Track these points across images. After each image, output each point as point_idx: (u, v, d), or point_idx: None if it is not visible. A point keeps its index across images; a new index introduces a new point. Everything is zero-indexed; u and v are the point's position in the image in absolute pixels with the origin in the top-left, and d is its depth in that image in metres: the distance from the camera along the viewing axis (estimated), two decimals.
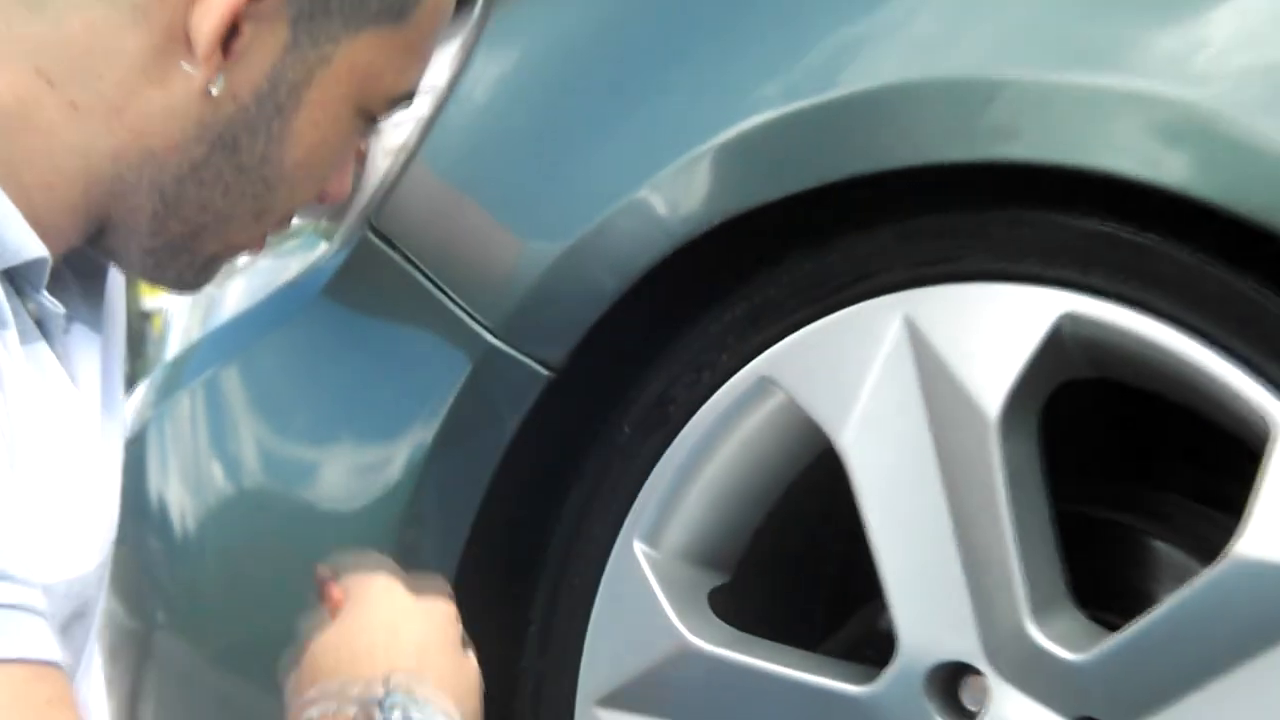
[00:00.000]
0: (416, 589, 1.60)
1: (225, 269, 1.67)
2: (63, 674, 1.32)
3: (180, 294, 1.79)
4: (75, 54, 1.46)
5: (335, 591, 1.59)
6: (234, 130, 1.51)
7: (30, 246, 1.40)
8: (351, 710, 1.49)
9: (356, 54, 1.54)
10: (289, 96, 1.53)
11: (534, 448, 1.84)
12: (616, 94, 1.86)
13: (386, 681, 1.50)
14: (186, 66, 1.47)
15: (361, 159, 1.96)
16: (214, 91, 1.47)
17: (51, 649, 1.30)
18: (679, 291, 1.76)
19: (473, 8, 1.92)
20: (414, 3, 1.56)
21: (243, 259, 1.76)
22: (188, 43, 1.46)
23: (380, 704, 1.49)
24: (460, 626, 1.60)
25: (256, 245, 1.62)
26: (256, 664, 1.72)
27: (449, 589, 1.62)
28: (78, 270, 1.56)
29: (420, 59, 1.62)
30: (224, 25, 1.45)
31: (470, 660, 1.59)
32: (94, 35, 1.46)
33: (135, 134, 1.49)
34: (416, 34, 1.57)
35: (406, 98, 1.62)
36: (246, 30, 1.46)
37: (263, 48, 1.49)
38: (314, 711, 1.49)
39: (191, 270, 1.58)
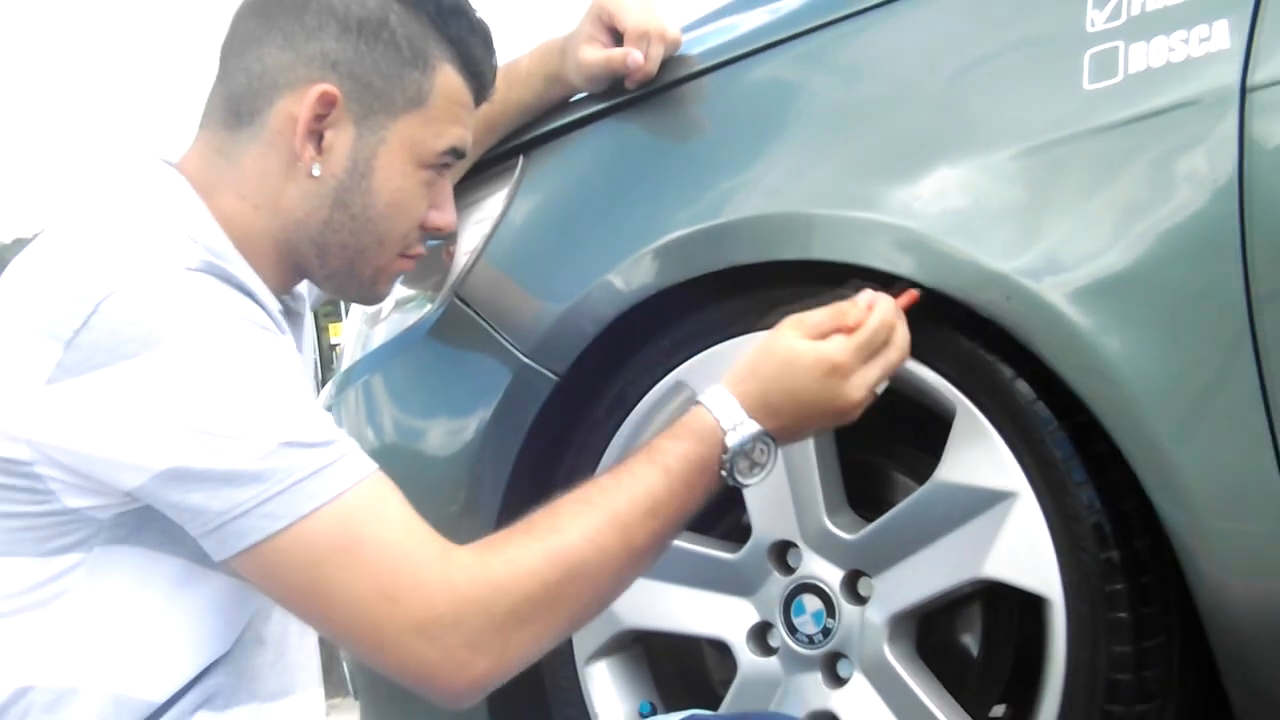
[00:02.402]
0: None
1: (391, 285, 1.78)
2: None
3: (367, 305, 1.96)
4: (250, 178, 1.63)
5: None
6: (340, 195, 1.64)
7: (268, 300, 1.60)
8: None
9: (401, 131, 1.66)
10: (366, 166, 1.65)
11: (547, 422, 2.05)
12: (595, 218, 2.06)
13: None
14: (300, 164, 1.63)
15: (451, 253, 2.11)
16: (316, 173, 1.63)
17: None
18: (631, 331, 1.99)
19: (514, 166, 2.08)
20: (427, 93, 1.66)
21: (402, 275, 1.80)
22: (299, 152, 1.63)
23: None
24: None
25: (403, 264, 1.75)
26: None
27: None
28: (288, 307, 1.72)
29: (449, 125, 1.70)
30: (314, 136, 1.62)
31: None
32: (257, 165, 1.63)
33: (288, 212, 1.64)
34: (437, 111, 1.67)
35: (453, 152, 1.71)
36: (328, 135, 1.62)
37: (341, 142, 1.64)
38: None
39: (363, 287, 1.74)
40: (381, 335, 2.27)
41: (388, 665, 1.46)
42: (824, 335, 1.65)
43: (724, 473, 1.60)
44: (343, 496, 1.43)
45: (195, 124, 1.70)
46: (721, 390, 1.64)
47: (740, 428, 1.61)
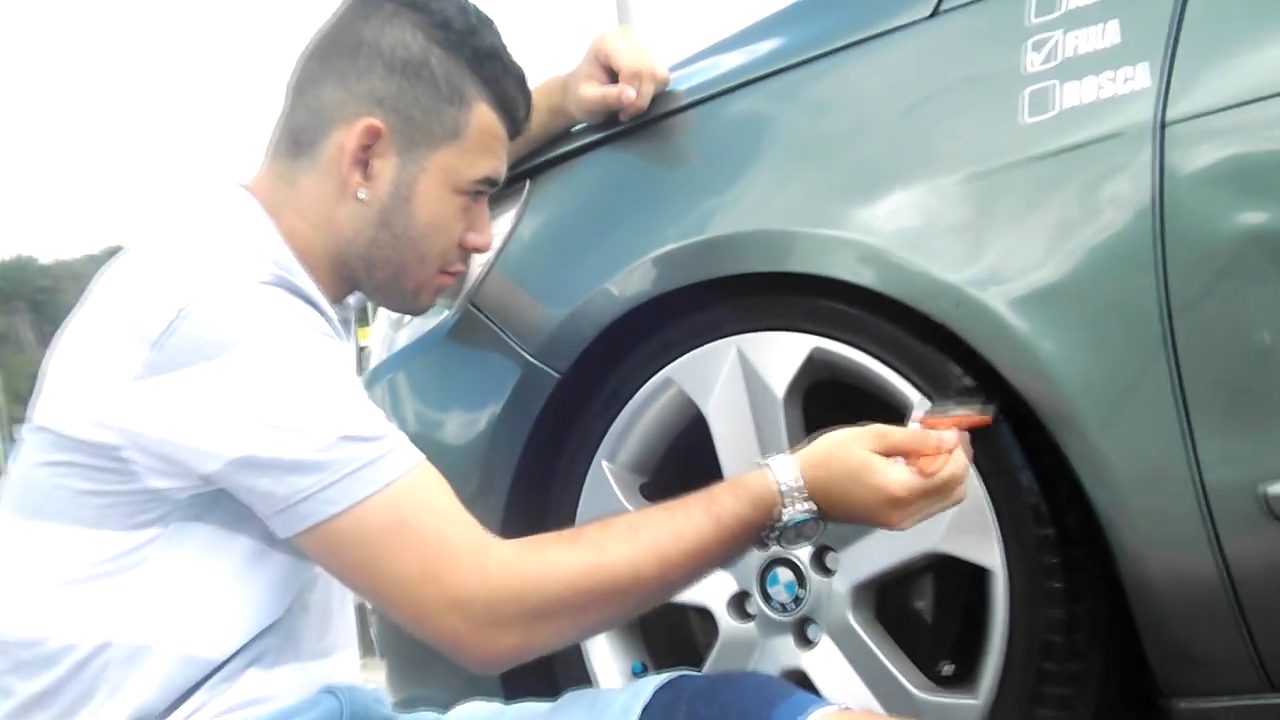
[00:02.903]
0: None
1: (433, 297, 1.80)
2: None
3: (411, 315, 1.93)
4: (308, 200, 1.68)
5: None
6: (384, 216, 1.69)
7: (329, 310, 1.63)
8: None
9: (439, 161, 1.69)
10: (408, 191, 1.69)
11: (550, 414, 2.08)
12: (593, 234, 2.10)
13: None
14: (349, 189, 1.67)
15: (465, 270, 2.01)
16: (363, 197, 1.67)
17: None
18: (626, 334, 2.03)
19: (522, 188, 2.10)
20: (464, 127, 1.69)
21: (447, 287, 1.80)
22: (347, 178, 1.67)
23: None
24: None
25: (444, 280, 1.78)
26: None
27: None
28: (343, 316, 1.76)
29: (483, 156, 1.72)
30: (361, 164, 1.66)
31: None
32: (314, 189, 1.68)
33: (340, 230, 1.69)
34: (472, 144, 1.71)
35: (487, 181, 1.74)
36: (375, 163, 1.67)
37: (386, 170, 1.68)
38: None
39: (406, 298, 1.78)
40: (405, 338, 2.29)
41: (425, 634, 1.51)
42: (900, 453, 1.60)
43: (768, 538, 1.60)
44: (392, 485, 1.48)
45: (264, 152, 1.75)
46: (792, 466, 1.61)
47: (797, 507, 1.59)
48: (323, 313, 1.61)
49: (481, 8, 1.77)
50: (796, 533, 1.60)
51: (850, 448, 1.60)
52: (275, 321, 1.50)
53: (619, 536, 1.56)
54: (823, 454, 1.61)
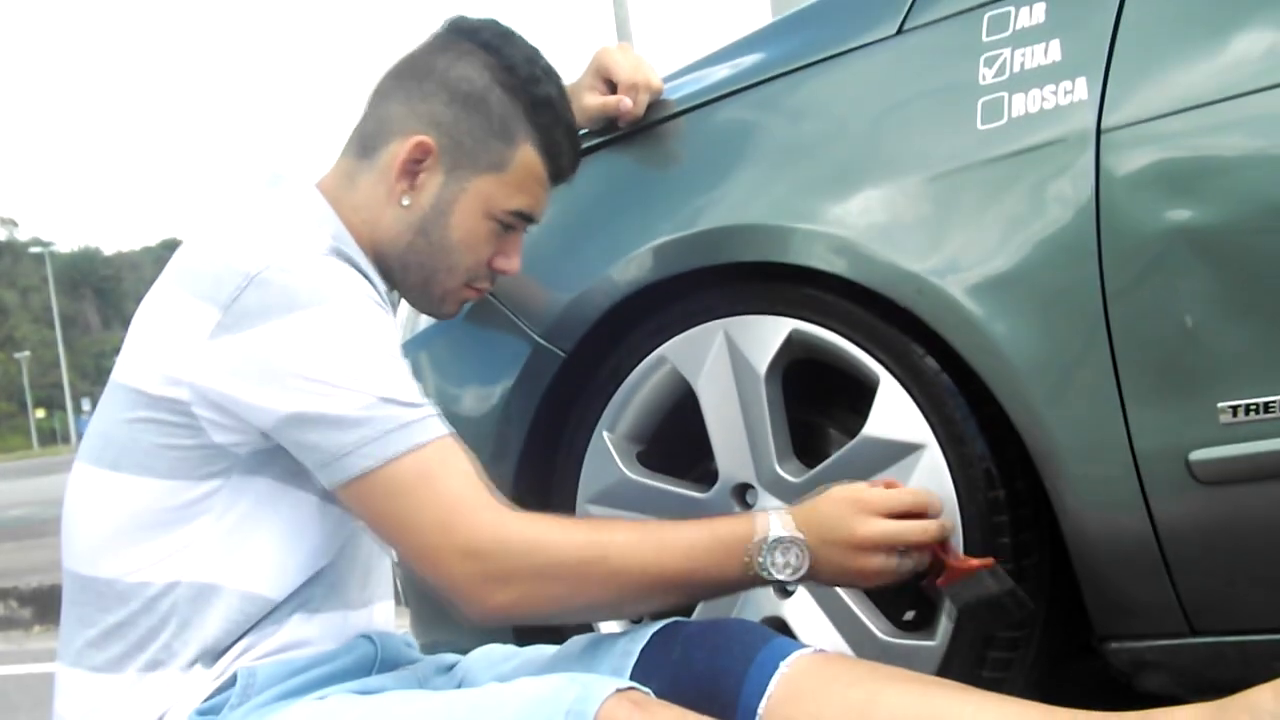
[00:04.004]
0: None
1: (458, 307, 1.83)
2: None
3: (439, 318, 1.93)
4: (362, 198, 1.74)
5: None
6: (423, 224, 1.74)
7: (380, 284, 1.71)
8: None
9: (480, 187, 1.74)
10: (447, 206, 1.74)
11: (557, 390, 2.13)
12: (595, 228, 2.13)
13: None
14: (395, 195, 1.73)
15: None
16: (406, 204, 1.73)
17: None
18: (627, 316, 2.06)
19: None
20: (508, 162, 1.74)
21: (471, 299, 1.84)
22: (394, 185, 1.73)
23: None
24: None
25: (469, 293, 1.81)
26: None
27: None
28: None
29: (520, 192, 1.76)
30: (411, 174, 1.72)
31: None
32: (369, 189, 1.75)
33: (384, 231, 1.74)
34: (513, 179, 1.75)
35: (521, 215, 1.77)
36: (422, 176, 1.73)
37: (431, 184, 1.73)
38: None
39: (433, 303, 1.82)
40: (426, 320, 2.28)
41: (436, 579, 1.56)
42: (885, 510, 1.66)
43: (756, 561, 1.61)
44: (424, 448, 1.54)
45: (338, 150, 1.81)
46: (783, 512, 1.66)
47: (780, 530, 1.62)
48: (375, 286, 1.66)
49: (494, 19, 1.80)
50: (784, 555, 1.61)
51: (844, 489, 1.68)
52: (333, 288, 1.57)
53: (624, 527, 1.65)
54: (813, 498, 1.69)
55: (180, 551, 1.60)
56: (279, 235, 1.60)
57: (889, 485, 1.70)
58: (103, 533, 1.62)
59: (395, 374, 1.57)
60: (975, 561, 1.71)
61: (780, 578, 1.62)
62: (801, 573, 1.63)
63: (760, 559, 1.62)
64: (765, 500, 2.00)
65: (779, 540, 1.62)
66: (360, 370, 1.54)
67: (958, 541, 1.81)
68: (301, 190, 1.73)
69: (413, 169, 1.73)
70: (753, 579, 1.63)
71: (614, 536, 1.60)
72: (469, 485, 1.56)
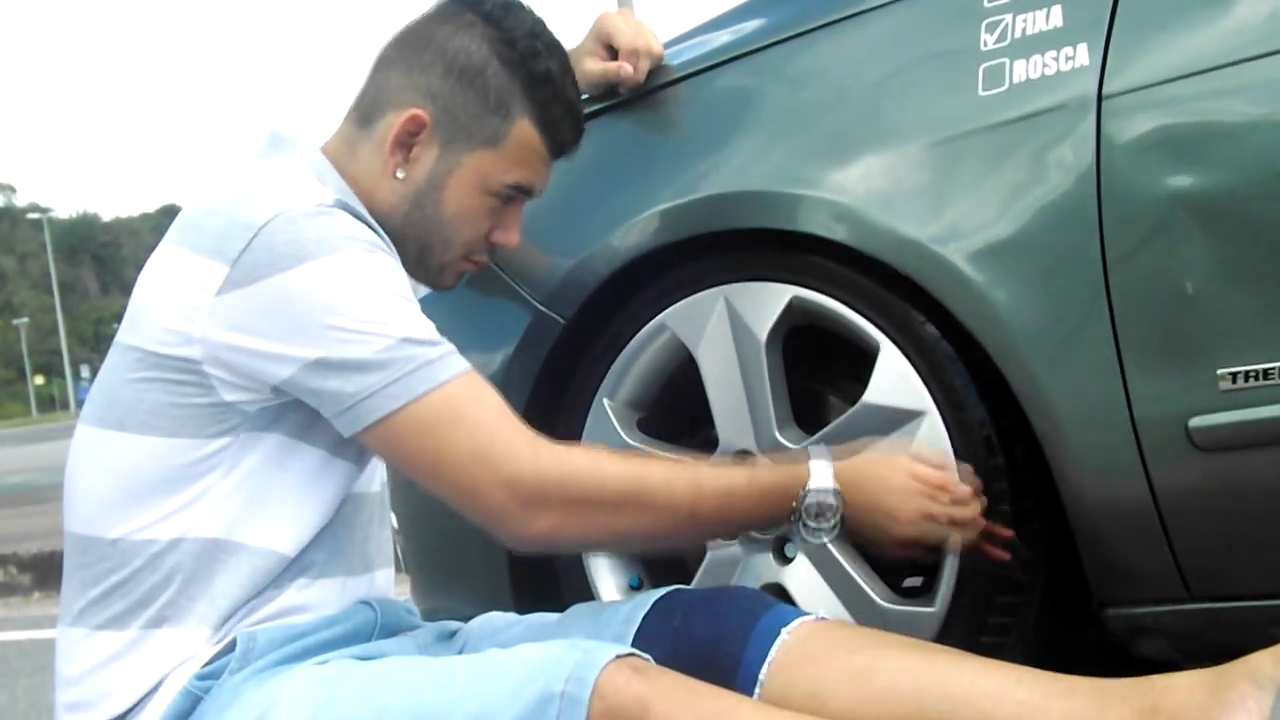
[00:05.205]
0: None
1: (456, 279, 1.84)
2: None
3: (437, 290, 1.89)
4: (362, 167, 1.74)
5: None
6: (417, 197, 1.74)
7: (383, 233, 1.70)
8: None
9: (474, 162, 1.74)
10: (441, 180, 1.74)
11: (557, 356, 2.13)
12: (596, 194, 2.12)
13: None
14: (389, 168, 1.74)
15: None
16: (400, 176, 1.73)
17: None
18: (627, 282, 2.07)
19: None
20: (503, 137, 1.74)
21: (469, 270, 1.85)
22: (388, 158, 1.73)
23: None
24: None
25: (467, 265, 1.82)
26: None
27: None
28: None
29: (517, 167, 1.76)
30: (405, 147, 1.72)
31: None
32: (367, 158, 1.75)
33: (381, 202, 1.74)
34: (509, 154, 1.75)
35: (519, 188, 1.77)
36: (416, 149, 1.73)
37: (426, 158, 1.74)
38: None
39: (430, 275, 1.82)
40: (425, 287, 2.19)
41: (475, 510, 1.58)
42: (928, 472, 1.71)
43: (793, 516, 1.67)
44: (448, 384, 1.56)
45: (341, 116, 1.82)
46: (827, 460, 1.70)
47: (822, 481, 1.67)
48: (379, 234, 1.67)
49: None
50: (818, 511, 1.66)
51: (887, 458, 1.73)
52: (341, 237, 1.58)
53: (662, 464, 1.68)
54: (863, 457, 1.71)
55: (187, 509, 1.61)
56: (282, 190, 1.61)
57: (938, 465, 1.74)
58: (108, 493, 1.63)
59: (411, 315, 1.59)
60: (998, 553, 1.77)
61: (810, 540, 1.68)
62: (833, 537, 1.69)
63: (793, 517, 1.67)
64: None
65: (818, 504, 1.67)
66: (377, 313, 1.56)
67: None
68: (305, 153, 1.74)
69: (407, 142, 1.73)
70: (785, 523, 1.69)
71: (651, 469, 1.64)
72: (500, 416, 1.59)
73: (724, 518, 1.67)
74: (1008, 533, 1.78)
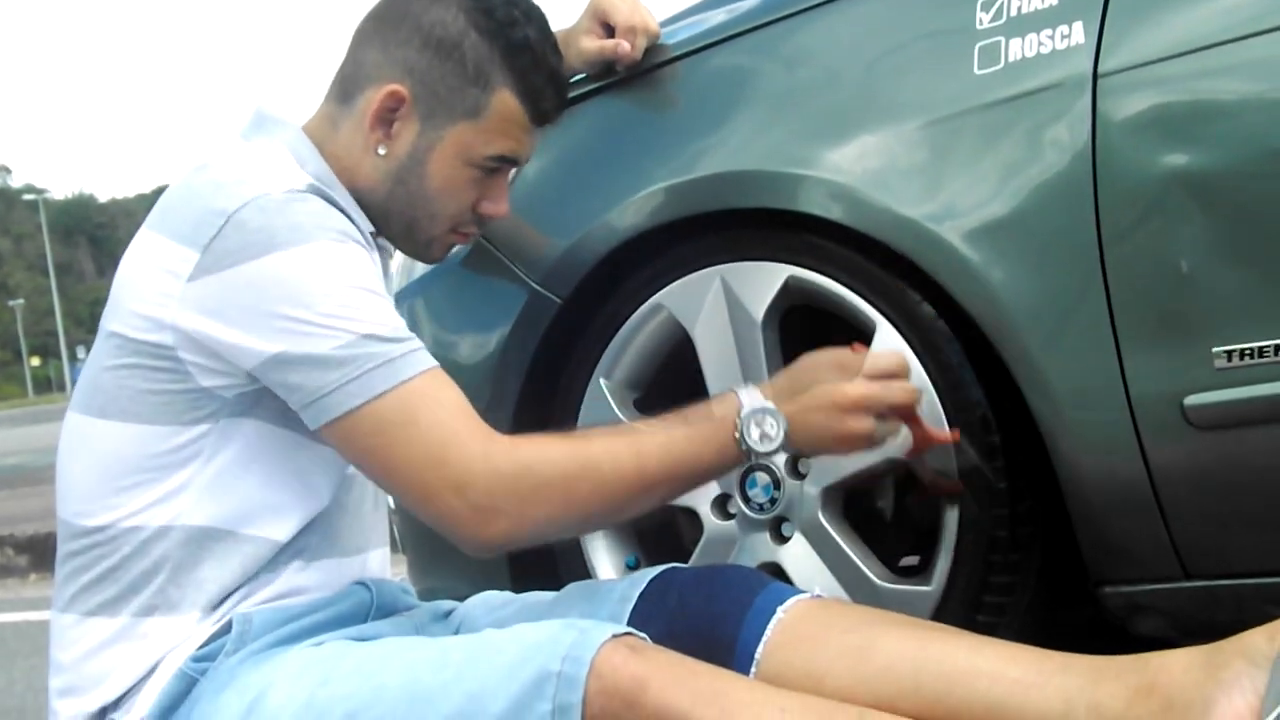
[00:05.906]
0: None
1: (444, 252, 1.83)
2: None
3: (426, 263, 1.93)
4: (343, 145, 1.73)
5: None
6: (400, 173, 1.72)
7: (361, 222, 1.71)
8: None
9: (455, 135, 1.72)
10: (424, 155, 1.72)
11: (553, 336, 2.13)
12: (592, 174, 2.13)
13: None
14: (370, 144, 1.72)
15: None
16: (382, 153, 1.71)
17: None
18: (623, 262, 2.07)
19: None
20: (483, 108, 1.72)
21: (458, 244, 1.86)
22: (368, 134, 1.72)
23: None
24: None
25: (455, 238, 1.81)
26: None
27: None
28: (380, 245, 1.78)
29: (499, 137, 1.74)
30: (386, 123, 1.71)
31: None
32: (348, 135, 1.73)
33: (363, 178, 1.73)
34: (490, 124, 1.73)
35: (502, 159, 1.75)
36: (397, 125, 1.71)
37: (407, 133, 1.72)
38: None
39: (418, 248, 1.81)
40: (422, 267, 2.29)
41: (429, 515, 1.57)
42: (867, 371, 1.71)
43: (737, 435, 1.65)
44: (408, 383, 1.54)
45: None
46: (755, 387, 1.71)
47: (755, 402, 1.66)
48: (355, 222, 1.66)
49: None
50: (760, 429, 1.64)
51: (817, 353, 1.72)
52: (313, 225, 1.57)
53: (601, 434, 1.66)
54: (788, 369, 1.71)
55: (172, 496, 1.62)
56: (257, 176, 1.60)
57: (856, 350, 1.74)
58: (94, 480, 1.63)
59: (376, 310, 1.57)
60: (943, 433, 1.77)
61: (759, 449, 1.65)
62: (777, 443, 1.66)
63: (737, 435, 1.65)
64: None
65: (753, 412, 1.65)
66: (341, 308, 1.55)
67: (931, 416, 1.85)
68: (287, 132, 1.73)
69: (387, 118, 1.72)
70: (735, 458, 1.67)
71: (592, 443, 1.62)
72: (455, 416, 1.56)
73: (673, 471, 1.65)
74: (946, 436, 1.78)
